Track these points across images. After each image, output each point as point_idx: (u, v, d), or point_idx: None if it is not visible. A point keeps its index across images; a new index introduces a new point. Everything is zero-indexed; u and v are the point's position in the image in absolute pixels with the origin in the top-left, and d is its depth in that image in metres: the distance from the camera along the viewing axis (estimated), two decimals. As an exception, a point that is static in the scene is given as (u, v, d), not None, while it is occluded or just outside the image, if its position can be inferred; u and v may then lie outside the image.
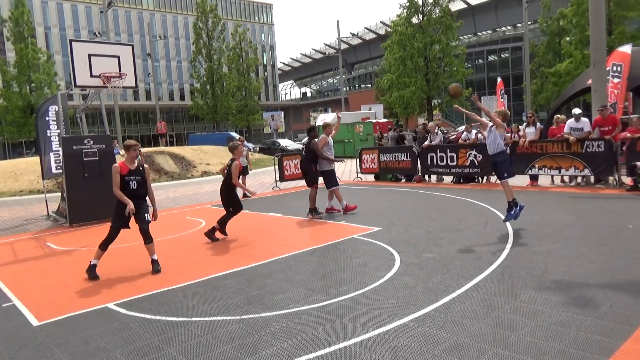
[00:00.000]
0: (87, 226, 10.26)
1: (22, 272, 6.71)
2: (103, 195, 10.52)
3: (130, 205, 6.05)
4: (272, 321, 4.25)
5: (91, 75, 10.58)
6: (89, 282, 5.97)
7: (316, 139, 9.43)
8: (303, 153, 9.88)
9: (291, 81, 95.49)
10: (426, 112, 38.17)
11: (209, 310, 4.62)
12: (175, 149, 25.12)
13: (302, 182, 15.17)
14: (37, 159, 17.81)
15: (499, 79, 24.96)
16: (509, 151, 12.24)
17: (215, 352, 3.70)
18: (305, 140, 10.05)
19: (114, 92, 11.26)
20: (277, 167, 15.09)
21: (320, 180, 9.57)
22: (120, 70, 10.78)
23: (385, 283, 5.09)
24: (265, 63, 78.35)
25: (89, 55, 10.55)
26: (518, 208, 7.21)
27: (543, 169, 11.58)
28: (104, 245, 6.21)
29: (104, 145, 10.77)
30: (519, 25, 53.39)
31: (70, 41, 10.73)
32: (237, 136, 39.09)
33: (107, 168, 10.66)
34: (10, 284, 6.12)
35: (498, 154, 7.24)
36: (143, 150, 21.36)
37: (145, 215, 6.33)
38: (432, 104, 38.22)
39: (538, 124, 12.53)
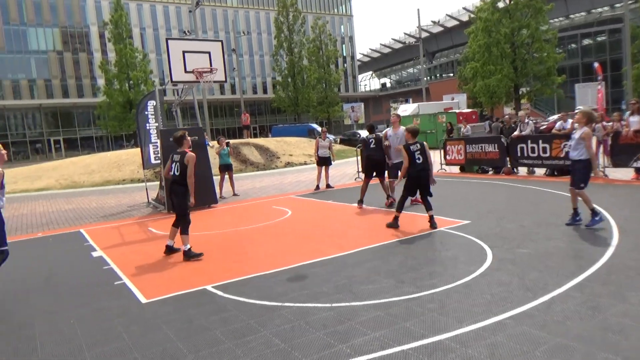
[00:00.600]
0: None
1: (129, 254, 7.31)
2: (196, 185, 11.16)
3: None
4: (362, 310, 4.29)
5: (185, 71, 11.20)
6: (187, 265, 6.38)
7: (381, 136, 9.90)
8: (373, 146, 9.88)
9: (370, 72, 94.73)
10: (513, 101, 36.21)
11: (300, 296, 4.75)
12: (259, 141, 25.98)
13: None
14: (137, 150, 19.29)
15: (595, 64, 23.07)
16: (610, 141, 11.34)
17: (309, 338, 3.81)
18: (367, 135, 10.33)
19: (206, 87, 11.85)
20: (359, 158, 15.09)
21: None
22: (211, 65, 11.31)
23: (478, 278, 4.94)
24: (344, 55, 78.38)
25: (183, 52, 11.17)
26: (598, 218, 6.66)
27: (651, 161, 10.57)
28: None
29: (196, 137, 11.38)
30: (617, 5, 48.81)
31: (167, 39, 11.42)
32: (318, 128, 39.60)
33: (201, 158, 11.30)
34: (119, 264, 6.70)
35: (581, 161, 6.68)
36: (231, 141, 22.34)
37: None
38: (520, 92, 36.16)
39: (646, 112, 11.42)
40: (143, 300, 5.06)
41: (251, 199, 12.58)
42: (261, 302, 4.70)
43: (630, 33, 30.26)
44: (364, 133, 35.83)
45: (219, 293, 5.06)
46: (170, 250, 6.90)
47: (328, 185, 13.38)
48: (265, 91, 71.90)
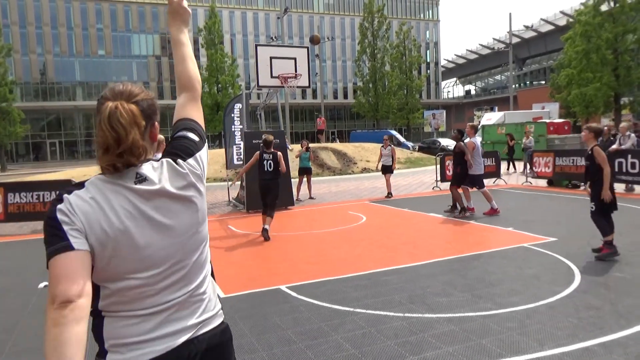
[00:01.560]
0: (261, 213, 11.28)
1: (211, 250, 7.67)
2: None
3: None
4: (436, 323, 4.18)
5: (271, 76, 11.59)
6: (264, 264, 6.59)
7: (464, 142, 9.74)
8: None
9: (454, 78, 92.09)
10: (612, 111, 33.45)
11: (373, 303, 4.73)
12: (337, 145, 26.18)
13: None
14: (221, 150, 20.21)
15: None
16: None
17: (380, 346, 3.78)
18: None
19: (290, 91, 12.19)
20: (438, 166, 14.73)
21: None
22: (296, 70, 11.61)
23: (564, 299, 4.63)
24: (428, 60, 76.89)
25: (271, 58, 11.58)
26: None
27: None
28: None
29: (278, 140, 11.71)
30: None
31: (256, 45, 11.91)
32: (397, 134, 39.18)
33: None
34: (201, 258, 7.05)
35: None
36: (312, 145, 22.74)
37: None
38: (622, 102, 33.33)
39: None
40: (221, 294, 5.30)
41: (327, 203, 12.71)
42: (333, 305, 4.73)
43: None
44: (444, 141, 34.94)
45: (293, 294, 5.16)
46: (266, 232, 8.09)
47: (389, 194, 13.10)
48: (345, 96, 72.40)
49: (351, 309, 4.60)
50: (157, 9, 61.31)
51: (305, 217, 10.58)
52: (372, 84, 48.27)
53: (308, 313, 4.57)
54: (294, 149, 16.51)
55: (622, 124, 13.62)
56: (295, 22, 69.42)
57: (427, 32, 78.03)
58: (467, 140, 9.82)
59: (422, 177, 18.64)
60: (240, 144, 12.92)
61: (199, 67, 43.77)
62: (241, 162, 12.65)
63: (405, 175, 20.07)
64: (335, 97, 73.38)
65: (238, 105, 13.38)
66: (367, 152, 24.06)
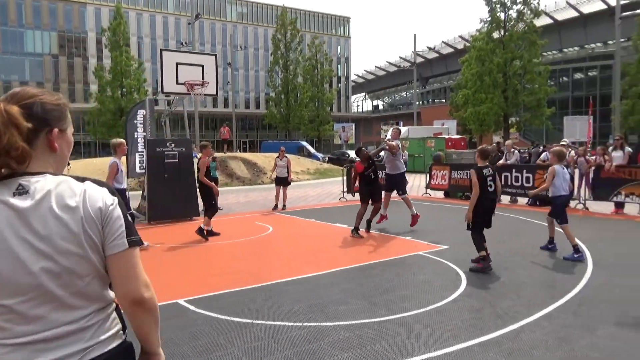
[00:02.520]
0: (163, 224, 10.86)
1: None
2: (180, 196, 11.13)
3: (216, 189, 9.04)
4: (333, 331, 4.28)
5: (177, 83, 11.26)
6: (162, 277, 6.32)
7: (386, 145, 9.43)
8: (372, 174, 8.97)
9: (364, 93, 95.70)
10: (502, 129, 36.72)
11: (272, 314, 4.73)
12: (247, 155, 25.98)
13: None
14: (123, 158, 19.11)
15: (591, 99, 23.68)
16: (592, 175, 11.52)
17: (277, 356, 3.79)
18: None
19: (196, 99, 11.90)
20: (345, 177, 15.16)
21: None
22: (203, 78, 11.38)
23: (450, 303, 4.96)
24: (339, 75, 79.19)
25: (177, 64, 11.25)
26: (578, 255, 6.66)
27: (630, 196, 10.76)
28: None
29: (184, 149, 11.39)
30: (609, 42, 50.09)
31: (161, 50, 11.52)
32: (308, 145, 39.76)
33: (186, 170, 11.30)
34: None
35: (555, 197, 7.10)
36: (217, 155, 22.31)
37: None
38: (509, 121, 36.70)
39: (627, 148, 11.68)
40: (113, 310, 5.00)
41: (234, 213, 12.54)
42: (232, 318, 4.66)
43: (620, 70, 31.03)
44: (353, 153, 36.06)
45: (191, 307, 5.01)
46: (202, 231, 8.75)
47: (284, 207, 13.12)
48: (257, 106, 72.24)
49: (250, 321, 4.56)
50: (55, 5, 57.02)
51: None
52: (284, 95, 48.63)
53: (206, 327, 4.46)
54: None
55: (507, 142, 14.99)
56: (207, 29, 68.17)
57: (339, 47, 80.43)
58: (392, 141, 9.53)
59: (330, 188, 19.05)
60: (143, 152, 12.35)
61: (102, 69, 41.28)
62: (144, 171, 12.09)
63: (315, 186, 20.39)
64: (247, 106, 72.95)
65: (142, 112, 12.79)
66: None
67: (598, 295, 5.16)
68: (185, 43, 45.01)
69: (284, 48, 48.94)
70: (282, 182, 13.00)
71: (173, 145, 11.24)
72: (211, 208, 8.97)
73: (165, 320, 4.64)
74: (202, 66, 11.58)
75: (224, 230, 9.79)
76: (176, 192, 11.03)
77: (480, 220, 6.36)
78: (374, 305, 4.94)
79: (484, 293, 5.29)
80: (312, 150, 38.75)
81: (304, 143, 40.11)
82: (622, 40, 30.07)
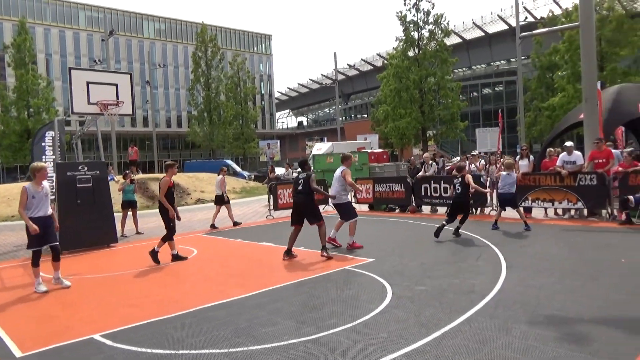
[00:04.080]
0: (77, 254, 10.13)
1: (9, 300, 6.58)
2: (95, 222, 10.47)
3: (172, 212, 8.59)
4: (261, 355, 4.17)
5: (89, 103, 10.65)
6: (74, 312, 5.86)
7: (312, 174, 8.63)
8: (299, 188, 8.52)
9: (288, 110, 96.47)
10: (421, 142, 38.47)
11: (197, 342, 4.52)
12: (170, 176, 25.08)
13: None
14: (45, 183, 17.72)
15: (500, 111, 25.53)
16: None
17: (201, 387, 3.61)
18: (301, 175, 8.63)
19: (111, 120, 11.32)
20: (271, 195, 15.07)
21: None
22: (117, 98, 10.87)
23: (377, 316, 5.02)
24: (262, 92, 79.27)
25: (88, 83, 10.65)
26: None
27: (536, 201, 11.62)
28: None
29: (98, 172, 10.75)
30: (512, 59, 54.46)
31: (70, 69, 10.87)
32: (233, 164, 39.22)
33: (101, 194, 10.66)
34: (-5, 312, 6.00)
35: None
36: (137, 176, 21.35)
37: None
38: (427, 135, 38.56)
39: (531, 157, 12.64)
40: (18, 354, 4.54)
41: (156, 237, 11.93)
42: (154, 350, 4.40)
43: (522, 84, 33.74)
44: (279, 170, 36.02)
45: (108, 342, 4.67)
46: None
47: (235, 223, 13.14)
48: (179, 125, 70.38)
49: (173, 352, 4.33)
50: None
51: (130, 255, 9.81)
52: (207, 113, 47.76)
53: (123, 362, 4.16)
54: (120, 180, 15.32)
55: (426, 154, 15.69)
56: (123, 45, 65.66)
57: (261, 65, 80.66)
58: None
59: (256, 207, 18.84)
60: (52, 177, 11.50)
61: (5, 88, 38.25)
62: (53, 197, 11.25)
63: (241, 205, 20.07)
64: (169, 125, 70.87)
65: (50, 133, 11.96)
66: (201, 182, 23.53)
67: (512, 297, 5.46)
68: (99, 60, 43.03)
69: (204, 66, 48.19)
70: (220, 200, 13.24)
71: (86, 168, 10.57)
72: (168, 230, 8.70)
73: (79, 359, 4.29)
74: (116, 85, 11.06)
75: (146, 256, 9.31)
76: (90, 218, 10.36)
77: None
78: (303, 324, 4.89)
79: (408, 303, 5.42)
80: (238, 168, 38.28)
81: (229, 161, 39.56)
82: (523, 57, 32.81)
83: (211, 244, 10.52)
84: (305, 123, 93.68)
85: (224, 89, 48.65)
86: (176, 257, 8.74)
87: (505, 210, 10.59)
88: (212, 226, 12.99)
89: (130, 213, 12.61)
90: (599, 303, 5.09)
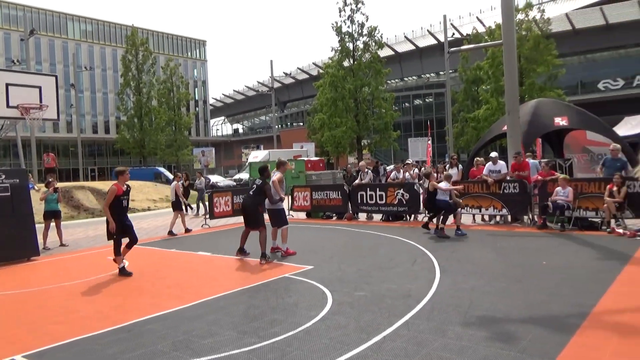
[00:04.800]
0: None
1: None
2: (13, 235, 9.74)
3: (112, 225, 7.86)
4: (200, 368, 4.05)
5: (8, 106, 9.92)
6: (-7, 331, 5.40)
7: (271, 180, 8.84)
8: (250, 192, 8.93)
9: (223, 117, 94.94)
10: (356, 151, 39.24)
11: (133, 358, 4.32)
12: (97, 184, 23.85)
13: (233, 220, 14.89)
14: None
15: (429, 122, 26.68)
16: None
17: (137, 405, 3.45)
18: (257, 181, 8.88)
19: (33, 124, 10.59)
20: (207, 203, 14.72)
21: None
22: (41, 101, 10.20)
23: (318, 323, 5.05)
24: (197, 98, 77.53)
25: (7, 85, 9.92)
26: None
27: (465, 207, 12.20)
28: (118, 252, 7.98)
29: (17, 180, 10.01)
30: (441, 72, 57.13)
31: (-15, 68, 10.06)
32: (166, 172, 37.95)
33: (20, 204, 9.93)
34: None
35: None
36: (61, 185, 20.09)
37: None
38: (362, 143, 39.41)
39: (460, 166, 13.28)
40: None
41: (82, 249, 11.34)
42: (83, 368, 4.15)
43: (451, 97, 35.45)
44: (214, 178, 35.34)
45: (31, 362, 4.35)
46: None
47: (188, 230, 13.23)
48: (107, 131, 67.14)
49: (105, 369, 4.11)
50: None
51: (54, 268, 9.20)
52: (138, 119, 45.93)
53: (50, 383, 3.89)
54: (41, 189, 14.33)
55: (361, 163, 16.04)
56: (44, 46, 61.78)
57: (195, 70, 78.92)
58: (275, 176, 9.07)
59: (190, 216, 18.33)
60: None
61: None
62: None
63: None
64: (95, 131, 67.43)
65: (-39, 138, 11.00)
66: (132, 190, 22.48)
67: (446, 300, 5.69)
68: (18, 61, 40.19)
69: (135, 70, 46.42)
70: (179, 206, 13.26)
71: (4, 176, 9.81)
72: (114, 242, 8.11)
73: (-3, 382, 3.96)
74: (40, 88, 10.38)
75: (71, 269, 8.81)
76: (8, 230, 9.60)
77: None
78: (243, 334, 4.81)
79: (348, 309, 5.49)
80: (171, 176, 37.03)
81: (162, 169, 38.26)
82: (451, 71, 34.53)
83: (143, 255, 10.10)
84: (240, 130, 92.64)
85: (156, 94, 47.05)
86: (122, 271, 8.10)
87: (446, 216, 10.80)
88: (170, 233, 12.78)
89: (53, 224, 11.82)
90: (524, 303, 5.43)
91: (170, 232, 12.77)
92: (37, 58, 58.90)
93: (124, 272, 8.05)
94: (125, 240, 8.23)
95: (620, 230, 9.57)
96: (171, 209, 13.78)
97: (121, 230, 8.01)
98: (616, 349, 4.07)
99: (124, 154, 59.66)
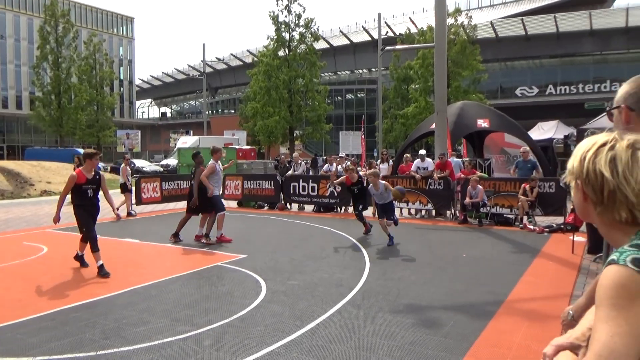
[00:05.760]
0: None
1: None
2: None
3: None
4: (134, 355, 3.98)
5: None
6: None
7: (202, 166, 9.03)
8: (192, 181, 9.31)
9: (150, 99, 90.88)
10: (288, 142, 39.31)
11: (58, 347, 4.15)
12: (8, 164, 22.07)
13: (161, 207, 14.50)
14: None
15: (363, 117, 27.34)
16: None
17: (67, 394, 3.34)
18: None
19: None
20: (134, 188, 14.16)
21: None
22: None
23: (253, 311, 5.11)
24: (122, 78, 73.61)
25: None
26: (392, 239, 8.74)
27: (393, 201, 12.69)
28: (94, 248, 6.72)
29: None
30: (373, 69, 58.49)
31: None
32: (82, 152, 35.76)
33: None
34: None
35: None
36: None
37: None
38: (294, 134, 39.53)
39: (390, 161, 13.78)
40: None
41: (-6, 232, 10.53)
42: (6, 358, 3.93)
43: (382, 93, 36.45)
44: (140, 162, 33.91)
45: (-58, 352, 4.04)
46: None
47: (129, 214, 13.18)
48: (19, 106, 62.05)
49: (30, 359, 3.91)
50: None
51: (-39, 253, 8.47)
52: (55, 96, 42.79)
53: (-34, 374, 3.65)
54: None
55: (295, 154, 16.15)
56: (-53, 8, 55.74)
57: (121, 49, 74.86)
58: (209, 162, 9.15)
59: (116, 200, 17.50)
60: None
61: None
62: None
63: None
64: (5, 106, 62.08)
65: None
66: (48, 172, 21.12)
67: (375, 288, 5.97)
68: None
69: (54, 42, 43.09)
70: (125, 188, 13.30)
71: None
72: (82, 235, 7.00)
73: None
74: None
75: (-18, 255, 8.17)
76: None
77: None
78: (177, 322, 4.77)
79: (283, 297, 5.60)
80: (92, 158, 35.03)
81: (81, 150, 35.96)
82: (383, 68, 35.45)
83: (63, 241, 9.55)
84: (168, 114, 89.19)
85: (77, 70, 44.02)
86: (79, 258, 7.22)
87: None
88: (129, 214, 13.08)
89: (-41, 205, 10.86)
90: (445, 291, 5.83)
91: (129, 214, 12.98)
92: (-63, 21, 53.12)
93: (81, 261, 7.15)
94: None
95: (531, 227, 10.45)
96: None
97: (87, 222, 6.83)
98: (526, 332, 4.51)
99: (38, 132, 55.58)
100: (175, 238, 9.13)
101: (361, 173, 13.72)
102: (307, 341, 4.27)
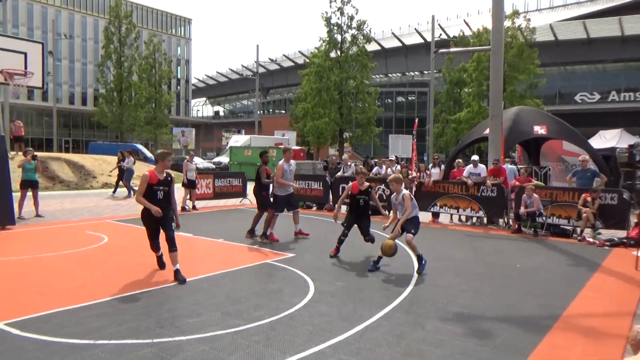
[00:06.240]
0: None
1: None
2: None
3: (155, 208, 6.23)
4: (187, 345, 4.13)
5: (-10, 69, 9.66)
6: (-29, 297, 5.35)
7: (266, 166, 9.43)
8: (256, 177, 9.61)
9: (204, 98, 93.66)
10: (337, 143, 39.38)
11: (117, 332, 4.36)
12: (73, 156, 23.36)
13: (213, 203, 14.90)
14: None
15: (415, 120, 26.98)
16: (414, 189, 13.04)
17: (126, 378, 3.51)
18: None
19: (20, 91, 10.33)
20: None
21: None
22: (26, 67, 9.95)
23: (301, 310, 5.16)
24: (179, 77, 76.26)
25: (-10, 48, 9.65)
26: (424, 261, 7.07)
27: (444, 207, 12.48)
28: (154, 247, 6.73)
29: (-4, 146, 9.78)
30: (425, 72, 57.61)
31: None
32: (143, 149, 37.33)
33: None
34: None
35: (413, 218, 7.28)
36: (40, 154, 19.64)
37: (172, 223, 6.56)
38: (344, 136, 39.56)
39: (442, 166, 13.53)
40: None
41: (58, 221, 11.17)
42: (69, 340, 4.17)
43: (434, 97, 35.85)
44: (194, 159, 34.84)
45: (15, 332, 4.34)
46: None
47: (194, 207, 13.89)
48: (84, 103, 65.56)
49: (92, 342, 4.13)
50: None
51: (30, 239, 9.05)
52: (117, 93, 44.94)
53: (37, 352, 3.90)
54: (14, 157, 14.00)
55: (345, 156, 16.16)
56: (23, 10, 59.64)
57: (179, 49, 77.55)
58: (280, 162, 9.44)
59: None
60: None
61: None
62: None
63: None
64: (72, 102, 65.72)
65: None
66: (110, 165, 22.10)
67: (423, 294, 5.88)
68: (-5, 23, 38.77)
69: (117, 42, 45.26)
70: (190, 184, 13.84)
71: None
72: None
73: (-18, 349, 3.95)
74: (25, 54, 10.12)
75: (48, 241, 8.69)
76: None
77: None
78: (228, 316, 4.89)
79: (330, 298, 5.62)
80: (148, 154, 36.51)
81: (139, 146, 37.58)
82: (435, 71, 34.88)
83: (124, 232, 10.02)
84: (221, 113, 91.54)
85: (137, 69, 46.03)
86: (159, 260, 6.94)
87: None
88: (194, 207, 13.85)
89: (30, 193, 11.61)
90: (497, 302, 5.66)
91: (183, 208, 13.44)
92: (14, 21, 56.94)
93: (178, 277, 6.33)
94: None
95: (590, 239, 9.95)
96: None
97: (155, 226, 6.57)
98: (584, 349, 4.31)
99: (100, 128, 58.46)
100: (250, 234, 9.51)
101: (411, 177, 13.57)
102: (355, 343, 4.27)
